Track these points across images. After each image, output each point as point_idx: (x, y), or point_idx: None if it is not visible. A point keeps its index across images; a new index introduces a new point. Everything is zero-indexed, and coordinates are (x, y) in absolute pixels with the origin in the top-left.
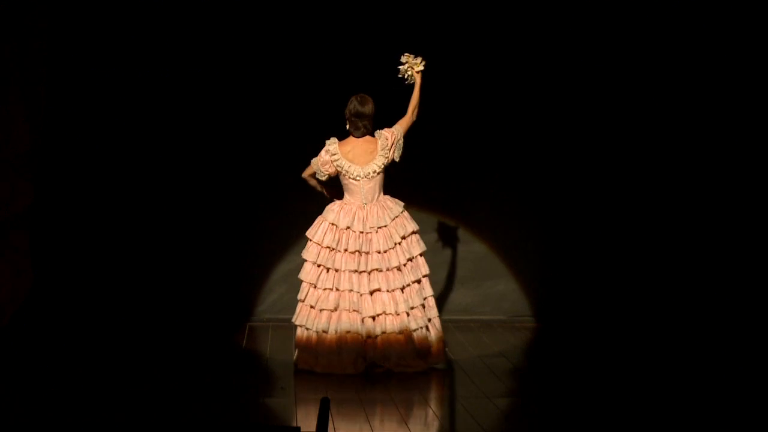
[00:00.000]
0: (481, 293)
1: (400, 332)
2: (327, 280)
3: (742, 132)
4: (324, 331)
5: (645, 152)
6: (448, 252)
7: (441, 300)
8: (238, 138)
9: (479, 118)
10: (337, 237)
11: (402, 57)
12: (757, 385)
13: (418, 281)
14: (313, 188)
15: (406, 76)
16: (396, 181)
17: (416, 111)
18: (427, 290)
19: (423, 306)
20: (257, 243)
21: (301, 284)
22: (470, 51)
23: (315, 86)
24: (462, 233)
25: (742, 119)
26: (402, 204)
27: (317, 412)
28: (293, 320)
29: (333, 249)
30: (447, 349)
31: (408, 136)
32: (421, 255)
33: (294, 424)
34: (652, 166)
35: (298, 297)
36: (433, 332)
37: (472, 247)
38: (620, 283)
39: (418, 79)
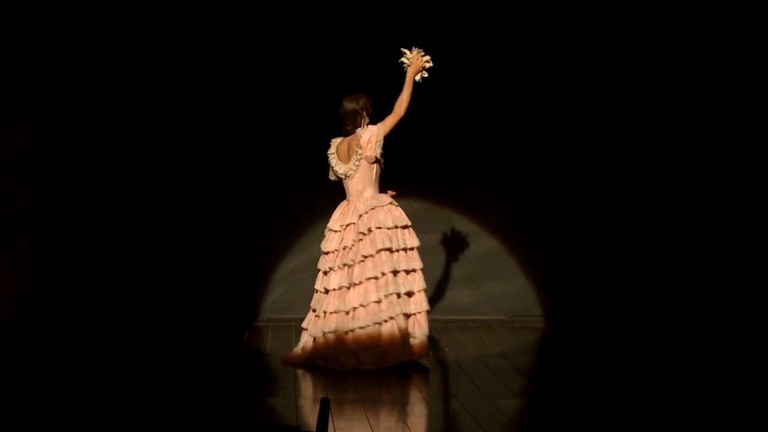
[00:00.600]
0: (480, 293)
1: (334, 330)
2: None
3: (745, 132)
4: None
5: (656, 150)
6: (448, 251)
7: (441, 300)
8: (238, 138)
9: (484, 113)
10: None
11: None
12: (760, 385)
13: (376, 278)
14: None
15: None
16: (399, 177)
17: (404, 106)
18: (401, 286)
19: (379, 302)
20: (257, 243)
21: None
22: (476, 47)
23: (316, 86)
24: (462, 233)
25: (744, 119)
26: (386, 200)
27: (317, 412)
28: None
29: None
30: (447, 348)
31: (411, 132)
32: (386, 250)
33: (294, 424)
34: (663, 164)
35: None
36: (398, 329)
37: (472, 247)
38: (627, 283)
39: (408, 74)
